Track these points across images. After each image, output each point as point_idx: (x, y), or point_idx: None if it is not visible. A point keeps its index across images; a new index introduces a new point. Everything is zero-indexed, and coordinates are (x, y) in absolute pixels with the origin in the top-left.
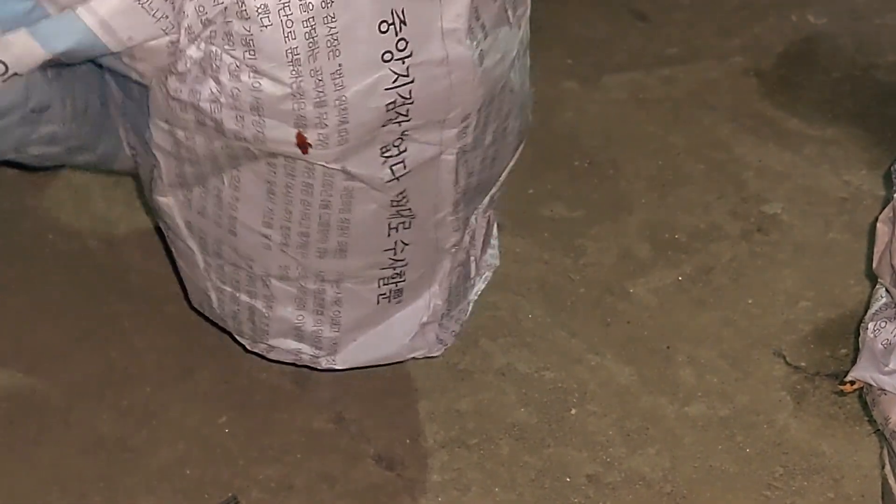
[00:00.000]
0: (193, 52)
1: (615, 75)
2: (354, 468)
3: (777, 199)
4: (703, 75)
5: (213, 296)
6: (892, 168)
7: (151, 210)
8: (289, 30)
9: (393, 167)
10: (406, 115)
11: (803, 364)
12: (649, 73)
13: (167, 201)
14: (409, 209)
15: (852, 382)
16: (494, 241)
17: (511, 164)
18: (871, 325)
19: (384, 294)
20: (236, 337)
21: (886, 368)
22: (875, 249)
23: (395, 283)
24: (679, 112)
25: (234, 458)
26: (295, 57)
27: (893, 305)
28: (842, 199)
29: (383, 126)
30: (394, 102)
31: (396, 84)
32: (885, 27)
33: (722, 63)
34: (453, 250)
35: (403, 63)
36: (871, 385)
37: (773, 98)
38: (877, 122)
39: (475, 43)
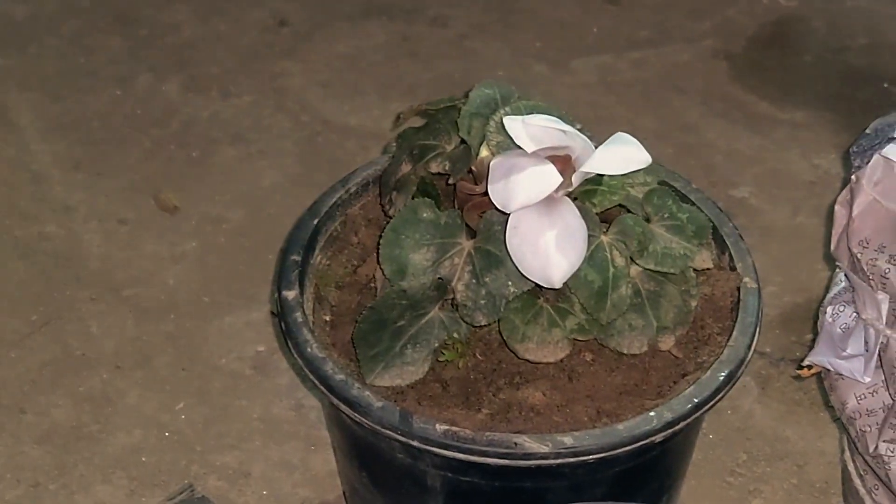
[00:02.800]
0: None
1: (585, 58)
2: (313, 456)
3: (745, 183)
4: (674, 58)
5: None
6: (850, 150)
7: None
8: None
9: None
10: None
11: (768, 349)
12: (619, 57)
13: None
14: None
15: (810, 367)
16: None
17: None
18: (829, 310)
19: None
20: None
21: (844, 353)
22: (833, 232)
23: None
24: (649, 95)
25: (191, 445)
26: None
27: (851, 289)
28: (810, 183)
29: None
30: None
31: None
32: (856, 10)
33: (692, 46)
34: None
35: None
36: (828, 370)
37: (743, 81)
38: (847, 105)
39: None
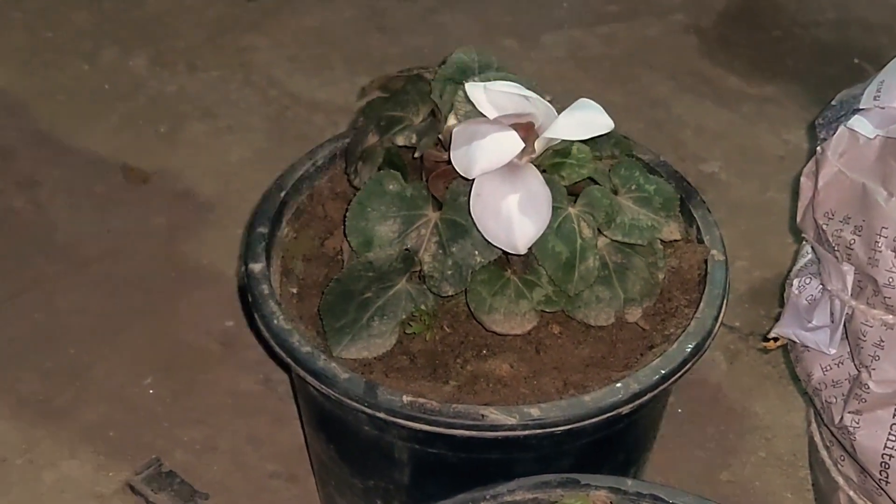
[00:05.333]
0: None
1: (554, 33)
2: (281, 430)
3: (714, 158)
4: (643, 33)
5: None
6: (815, 122)
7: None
8: None
9: None
10: None
11: (738, 324)
12: (588, 32)
13: None
14: None
15: (776, 339)
16: None
17: None
18: (795, 282)
19: None
20: None
21: (810, 325)
22: (799, 204)
23: None
24: (618, 70)
25: (158, 419)
26: None
27: (817, 261)
28: (779, 158)
29: None
30: None
31: None
32: None
33: (661, 21)
34: None
35: None
36: (794, 342)
37: (712, 56)
38: (816, 80)
39: None
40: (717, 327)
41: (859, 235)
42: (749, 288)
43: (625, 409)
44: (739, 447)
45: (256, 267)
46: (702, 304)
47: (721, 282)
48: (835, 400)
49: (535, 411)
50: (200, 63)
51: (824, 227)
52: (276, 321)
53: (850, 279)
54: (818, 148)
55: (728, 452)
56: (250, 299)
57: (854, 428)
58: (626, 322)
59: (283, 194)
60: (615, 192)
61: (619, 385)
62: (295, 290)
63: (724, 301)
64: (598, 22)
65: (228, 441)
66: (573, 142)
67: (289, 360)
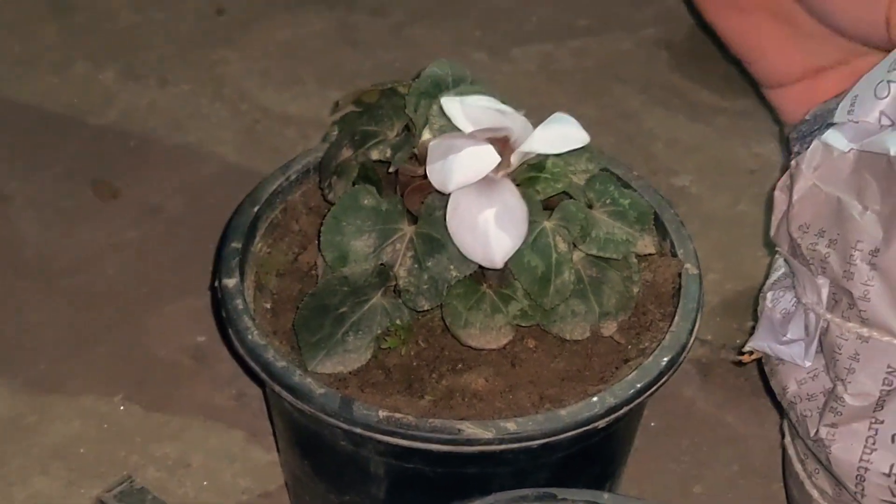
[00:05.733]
0: None
1: (525, 47)
2: (255, 446)
3: (687, 172)
4: (614, 47)
5: None
6: (789, 136)
7: None
8: None
9: None
10: None
11: (710, 337)
12: (559, 45)
13: None
14: None
15: (750, 353)
16: None
17: None
18: (769, 295)
19: None
20: None
21: (784, 338)
22: (773, 218)
23: None
24: (589, 84)
25: (130, 435)
26: None
27: (791, 275)
28: (751, 172)
29: None
30: None
31: None
32: None
33: (633, 34)
34: None
35: None
36: (768, 355)
37: (683, 70)
38: None
39: None
40: (691, 340)
41: (834, 249)
42: (721, 300)
43: (601, 423)
44: (713, 460)
45: (230, 282)
46: (676, 317)
47: (695, 295)
48: (810, 413)
49: (511, 425)
50: (171, 77)
51: (799, 240)
52: (250, 336)
53: (825, 292)
54: (792, 162)
55: (701, 465)
56: (224, 314)
57: (830, 441)
58: (602, 336)
59: (256, 209)
60: (590, 206)
61: (595, 399)
62: (269, 306)
63: (699, 314)
64: (569, 36)
65: (201, 457)
66: (548, 156)
67: (264, 375)
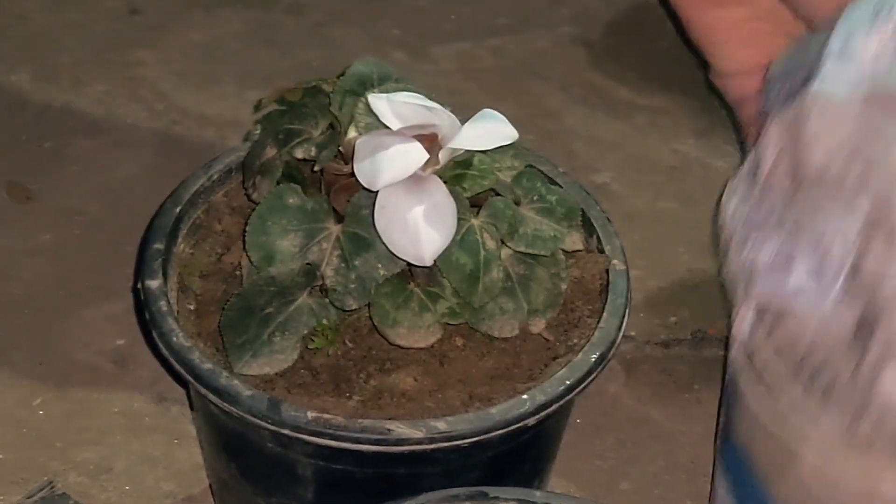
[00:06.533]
0: None
1: (444, 46)
2: (177, 450)
3: (607, 169)
4: (533, 45)
5: None
6: (767, 96)
7: None
8: None
9: None
10: None
11: (633, 333)
12: (478, 44)
13: None
14: None
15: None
16: None
17: None
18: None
19: None
20: None
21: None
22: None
23: None
24: (509, 82)
25: (50, 441)
26: None
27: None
28: (671, 168)
29: None
30: None
31: None
32: None
33: (551, 33)
34: None
35: None
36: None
37: (602, 67)
38: (704, 91)
39: None
40: (620, 336)
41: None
42: (644, 297)
43: (531, 421)
44: (639, 456)
45: (153, 283)
46: (605, 313)
47: (623, 291)
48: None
49: (441, 425)
50: (86, 78)
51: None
52: (175, 338)
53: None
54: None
55: (627, 462)
56: (147, 317)
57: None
58: (530, 333)
59: (178, 209)
60: (517, 203)
61: (525, 397)
62: (193, 307)
63: (627, 310)
64: (488, 34)
65: (123, 462)
66: (475, 153)
67: (189, 378)
